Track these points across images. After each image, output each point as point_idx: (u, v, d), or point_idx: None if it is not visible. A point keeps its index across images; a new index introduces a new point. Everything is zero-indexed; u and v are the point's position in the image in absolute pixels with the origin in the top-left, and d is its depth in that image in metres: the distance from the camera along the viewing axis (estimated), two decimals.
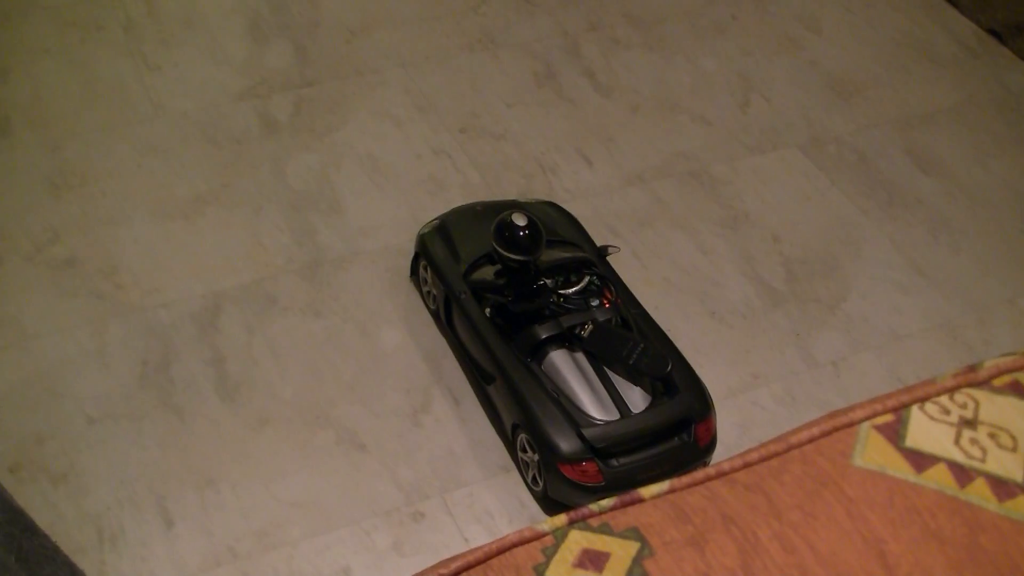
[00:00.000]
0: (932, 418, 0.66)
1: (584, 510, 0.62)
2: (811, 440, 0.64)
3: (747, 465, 0.63)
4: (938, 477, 0.63)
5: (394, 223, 1.59)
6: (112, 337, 1.41)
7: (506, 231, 1.31)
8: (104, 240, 1.53)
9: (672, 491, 0.62)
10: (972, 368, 0.71)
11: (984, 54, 2.07)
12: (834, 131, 1.84)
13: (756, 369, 1.46)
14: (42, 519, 1.22)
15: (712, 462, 1.33)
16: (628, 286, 1.42)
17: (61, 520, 1.22)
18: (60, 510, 1.23)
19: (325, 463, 1.31)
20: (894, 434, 0.65)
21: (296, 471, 1.29)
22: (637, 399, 1.28)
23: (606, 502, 0.62)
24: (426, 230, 1.48)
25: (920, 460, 0.64)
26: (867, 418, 0.66)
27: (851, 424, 0.65)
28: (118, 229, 1.55)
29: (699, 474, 0.63)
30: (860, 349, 1.50)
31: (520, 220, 1.31)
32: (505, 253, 1.32)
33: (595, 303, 1.36)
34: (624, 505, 0.61)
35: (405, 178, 1.66)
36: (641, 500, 0.61)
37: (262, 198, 1.61)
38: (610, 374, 1.30)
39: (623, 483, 1.23)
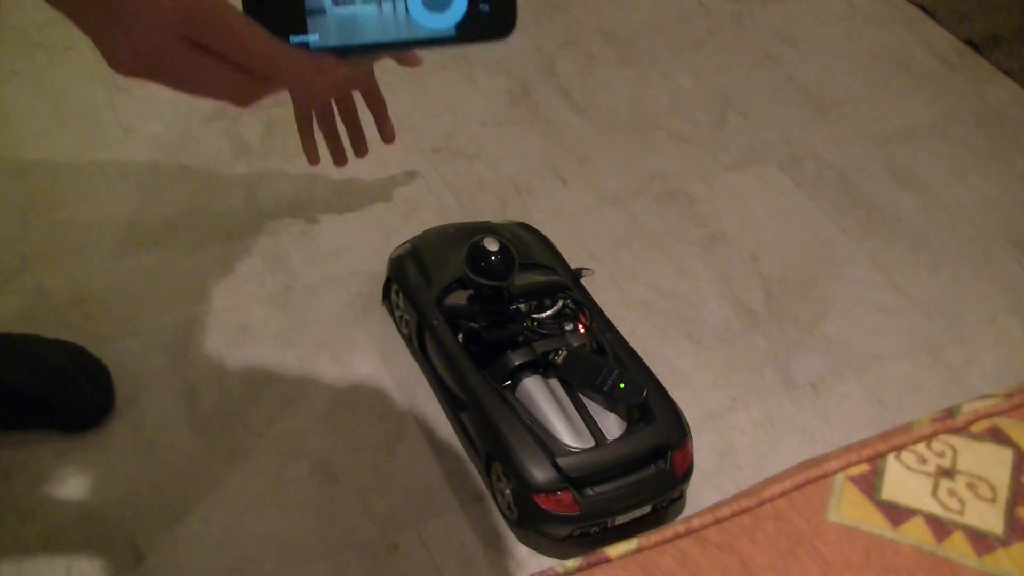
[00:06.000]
0: (909, 468, 0.64)
1: (548, 570, 0.60)
2: (784, 494, 0.62)
3: (718, 521, 0.61)
4: (915, 532, 0.61)
5: (366, 246, 1.57)
6: None
7: (478, 257, 1.29)
8: (73, 268, 1.51)
9: (640, 550, 0.60)
10: (950, 412, 0.69)
11: (962, 66, 2.05)
12: (812, 147, 1.82)
13: (734, 392, 1.45)
14: None
15: (688, 490, 1.32)
16: (603, 310, 1.40)
17: None
18: None
19: (298, 496, 1.28)
20: (869, 486, 0.63)
21: (269, 504, 1.27)
22: (612, 426, 1.26)
23: (571, 563, 0.60)
24: (397, 253, 1.46)
25: (896, 514, 0.62)
26: (841, 469, 0.64)
27: (825, 476, 0.63)
28: (88, 257, 1.52)
29: (668, 531, 0.61)
30: (840, 370, 1.49)
31: (492, 245, 1.29)
32: (477, 279, 1.29)
33: (569, 328, 1.34)
34: (590, 566, 0.59)
35: (378, 200, 1.64)
36: (608, 560, 0.59)
37: (233, 222, 1.59)
38: (585, 400, 1.28)
39: (598, 512, 1.21)
